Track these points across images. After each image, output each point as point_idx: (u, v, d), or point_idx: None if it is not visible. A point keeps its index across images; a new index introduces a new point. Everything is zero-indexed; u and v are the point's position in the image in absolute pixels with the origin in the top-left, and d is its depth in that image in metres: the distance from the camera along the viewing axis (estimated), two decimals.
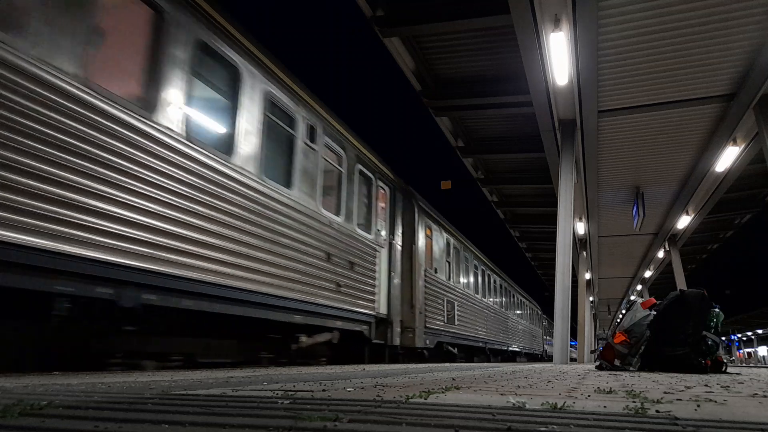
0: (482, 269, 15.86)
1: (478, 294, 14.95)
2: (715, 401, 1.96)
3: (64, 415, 1.32)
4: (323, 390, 2.14)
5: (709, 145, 10.47)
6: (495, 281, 17.64)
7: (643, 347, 5.73)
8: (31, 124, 3.20)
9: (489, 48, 9.08)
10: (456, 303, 12.23)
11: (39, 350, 3.98)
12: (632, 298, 28.34)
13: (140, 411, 1.42)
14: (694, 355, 5.29)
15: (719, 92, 8.63)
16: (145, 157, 3.98)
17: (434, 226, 11.08)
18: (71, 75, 3.45)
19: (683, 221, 15.37)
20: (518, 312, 22.08)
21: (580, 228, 15.99)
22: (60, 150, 3.35)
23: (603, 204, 14.49)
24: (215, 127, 5.05)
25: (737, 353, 51.89)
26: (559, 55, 7.37)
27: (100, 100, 3.64)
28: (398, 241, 9.19)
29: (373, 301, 7.82)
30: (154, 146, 4.06)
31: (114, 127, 3.73)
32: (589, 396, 2.08)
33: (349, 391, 2.09)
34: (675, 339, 5.43)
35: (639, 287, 27.68)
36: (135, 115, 3.91)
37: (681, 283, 17.49)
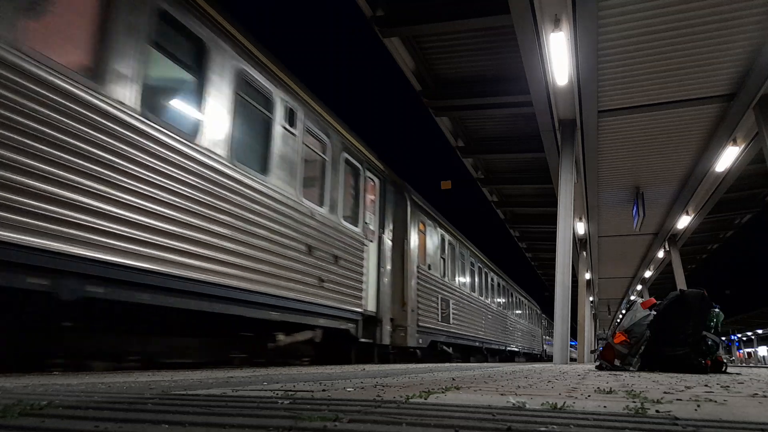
0: (479, 267, 15.54)
1: (474, 292, 14.64)
2: (715, 401, 1.96)
3: (64, 415, 1.32)
4: (323, 390, 2.14)
5: (709, 145, 10.47)
6: (493, 279, 17.33)
7: (643, 347, 5.73)
8: None
9: (489, 48, 9.08)
10: (451, 301, 11.92)
11: None
12: (632, 298, 28.34)
13: (140, 411, 1.42)
14: (694, 355, 5.29)
15: (719, 92, 8.63)
16: (93, 132, 3.59)
17: (428, 221, 10.76)
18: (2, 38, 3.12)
19: (683, 221, 15.37)
20: (517, 311, 21.78)
21: (580, 228, 15.99)
22: None
23: (603, 204, 14.49)
24: (176, 104, 4.65)
25: (737, 353, 51.89)
26: (559, 55, 7.37)
27: (36, 66, 3.28)
28: (389, 235, 8.83)
29: (360, 298, 7.42)
30: (103, 120, 3.68)
31: (51, 96, 3.34)
32: (589, 396, 2.08)
33: (349, 391, 2.09)
34: (675, 339, 5.43)
35: (639, 287, 27.68)
36: (77, 85, 3.51)
37: (681, 283, 17.49)
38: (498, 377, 3.47)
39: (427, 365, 7.57)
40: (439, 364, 8.62)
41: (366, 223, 7.90)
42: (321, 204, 6.64)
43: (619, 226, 16.43)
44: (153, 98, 4.23)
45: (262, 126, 5.67)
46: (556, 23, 6.81)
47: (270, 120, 5.73)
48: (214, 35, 4.92)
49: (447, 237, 12.23)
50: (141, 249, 3.92)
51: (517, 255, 27.20)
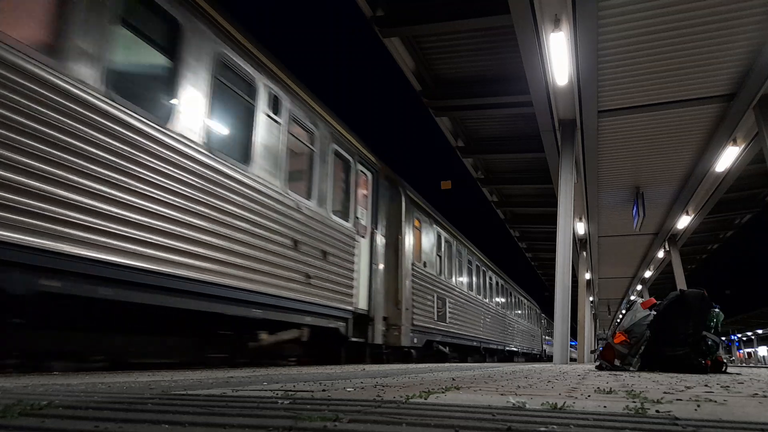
0: (477, 265, 15.26)
1: (472, 291, 14.39)
2: (715, 401, 1.96)
3: (64, 415, 1.32)
4: (323, 390, 2.14)
5: (709, 145, 10.47)
6: (491, 278, 17.07)
7: (643, 347, 5.73)
8: None
9: (489, 48, 9.08)
10: (448, 300, 11.68)
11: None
12: (632, 298, 28.34)
13: (140, 411, 1.42)
14: (694, 355, 5.29)
15: (719, 92, 8.63)
16: (51, 113, 3.38)
17: (424, 218, 10.49)
18: None
19: (683, 221, 15.37)
20: (516, 311, 21.50)
21: (580, 228, 15.99)
22: None
23: (603, 204, 14.49)
24: (145, 85, 4.36)
25: (737, 353, 51.90)
26: (559, 55, 7.37)
27: None
28: (382, 231, 8.52)
29: (350, 296, 7.13)
30: (61, 100, 3.45)
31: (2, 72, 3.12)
32: (589, 396, 2.08)
33: (349, 391, 2.09)
34: (675, 339, 5.43)
35: (639, 287, 27.69)
36: (33, 61, 3.30)
37: (681, 283, 17.49)
38: (498, 377, 3.47)
39: (426, 365, 7.57)
40: (439, 364, 8.61)
41: (357, 218, 7.61)
42: (308, 197, 6.36)
43: (619, 226, 16.44)
44: (118, 78, 3.92)
45: (244, 113, 5.40)
46: (556, 23, 6.81)
47: (252, 107, 5.46)
48: (192, 16, 4.68)
49: (443, 234, 11.97)
50: (101, 239, 3.62)
51: (517, 255, 27.23)
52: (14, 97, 3.19)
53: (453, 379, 3.08)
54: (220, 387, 2.24)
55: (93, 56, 3.69)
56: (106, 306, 3.91)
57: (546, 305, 29.82)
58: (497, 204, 17.39)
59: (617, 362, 5.89)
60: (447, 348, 11.72)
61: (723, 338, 6.63)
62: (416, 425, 1.22)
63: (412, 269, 9.40)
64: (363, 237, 7.80)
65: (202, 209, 4.56)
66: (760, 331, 47.75)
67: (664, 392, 2.35)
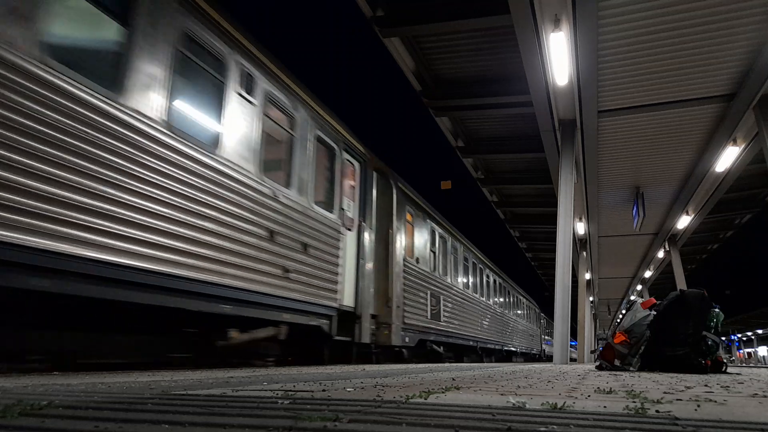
0: (474, 263, 14.80)
1: (468, 289, 13.94)
2: (715, 401, 1.96)
3: (64, 415, 1.32)
4: (323, 390, 2.14)
5: (709, 145, 10.48)
6: (488, 276, 16.62)
7: (643, 347, 5.73)
8: None
9: (489, 48, 9.09)
10: (442, 297, 11.23)
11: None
12: (632, 298, 28.35)
13: (140, 411, 1.42)
14: (694, 355, 5.29)
15: (719, 92, 8.64)
16: None
17: (416, 212, 10.05)
18: None
19: (683, 221, 15.38)
20: (514, 310, 21.12)
21: (580, 228, 16.00)
22: None
23: (603, 204, 14.50)
24: (89, 53, 3.90)
25: (737, 353, 51.91)
26: (559, 55, 7.37)
27: None
28: (371, 224, 8.04)
29: (335, 292, 6.69)
30: None
31: None
32: (589, 396, 2.08)
33: (349, 391, 2.09)
34: (675, 339, 5.43)
35: (639, 287, 27.70)
36: None
37: (681, 283, 17.51)
38: (498, 377, 3.47)
39: (426, 365, 7.56)
40: (439, 365, 8.60)
41: (343, 209, 7.15)
42: (287, 185, 5.93)
43: (619, 226, 16.44)
44: (57, 44, 3.51)
45: (212, 91, 4.96)
46: (556, 23, 6.81)
47: (222, 85, 5.02)
48: None
49: (438, 230, 11.58)
50: (36, 223, 3.20)
51: (517, 255, 27.24)
52: None
53: (453, 379, 3.08)
54: (220, 387, 2.24)
55: (23, 17, 3.27)
56: (39, 299, 3.50)
57: (546, 305, 29.80)
58: (497, 204, 17.40)
59: (617, 362, 5.89)
60: (441, 348, 11.36)
61: (723, 338, 6.62)
62: (416, 425, 1.22)
63: (404, 265, 9.01)
64: (349, 230, 7.35)
65: (160, 193, 4.11)
66: (760, 331, 47.78)
67: (664, 392, 2.35)
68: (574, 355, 23.85)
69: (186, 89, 4.67)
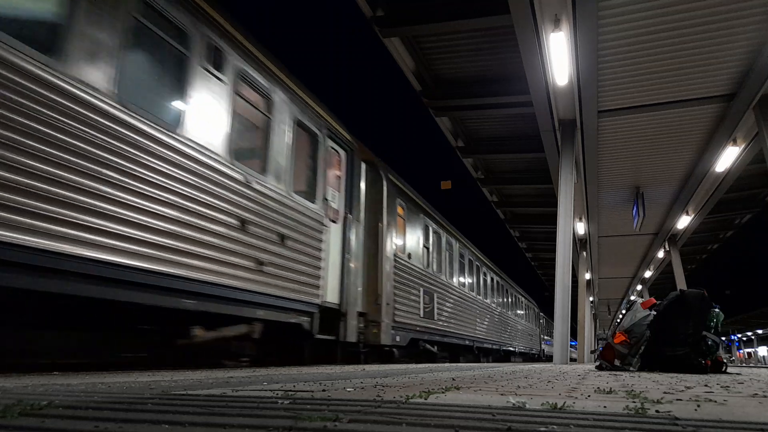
0: (470, 260, 14.35)
1: (464, 287, 13.52)
2: (715, 401, 1.96)
3: (64, 415, 1.32)
4: (323, 390, 2.14)
5: (709, 145, 10.48)
6: (486, 274, 16.18)
7: (643, 347, 5.73)
8: None
9: (489, 48, 9.09)
10: (436, 295, 10.79)
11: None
12: (632, 298, 28.34)
13: (140, 411, 1.42)
14: (694, 355, 5.29)
15: (719, 92, 8.64)
16: None
17: (409, 206, 9.64)
18: None
19: (683, 221, 15.38)
20: (513, 309, 20.74)
21: (580, 228, 16.00)
22: None
23: (603, 204, 14.50)
24: (25, 12, 3.52)
25: (737, 353, 51.91)
26: (559, 55, 7.37)
27: None
28: (358, 217, 7.65)
29: (317, 287, 6.27)
30: None
31: None
32: (589, 396, 2.08)
33: (349, 391, 2.09)
34: (675, 339, 5.44)
35: (639, 287, 27.70)
36: None
37: (681, 283, 17.51)
38: (498, 377, 3.47)
39: (426, 365, 7.56)
40: (439, 365, 8.59)
41: (327, 200, 6.74)
42: (263, 171, 5.52)
43: (619, 226, 16.44)
44: None
45: (172, 64, 4.51)
46: (556, 23, 6.81)
47: (185, 58, 4.58)
48: None
49: (432, 225, 11.13)
50: None
51: (517, 255, 27.24)
52: None
53: (453, 379, 3.08)
54: (220, 387, 2.24)
55: None
56: None
57: (545, 305, 29.76)
58: (497, 204, 17.40)
59: (617, 362, 5.89)
60: (435, 347, 10.96)
61: (723, 338, 6.62)
62: (416, 425, 1.22)
63: (395, 261, 8.61)
64: (334, 222, 6.94)
65: (110, 173, 3.70)
66: (760, 331, 47.78)
67: (664, 392, 2.35)
68: (574, 355, 23.81)
69: (141, 60, 4.25)
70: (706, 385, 2.97)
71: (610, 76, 8.25)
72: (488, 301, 16.34)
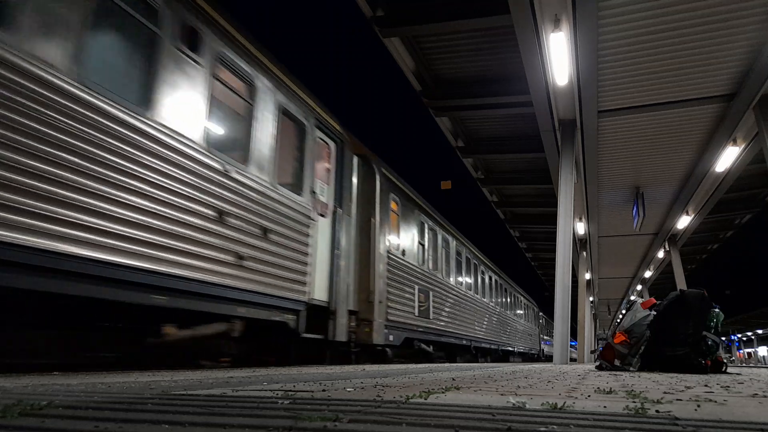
0: (468, 258, 14.04)
1: (462, 285, 13.22)
2: (715, 401, 1.96)
3: (64, 415, 1.32)
4: (323, 390, 2.14)
5: (709, 145, 10.48)
6: (483, 273, 15.88)
7: (643, 347, 5.73)
8: None
9: (489, 48, 9.09)
10: (431, 293, 10.47)
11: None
12: (632, 298, 28.35)
13: (140, 411, 1.42)
14: (694, 355, 5.30)
15: (719, 92, 8.64)
16: None
17: (404, 201, 9.35)
18: None
19: (683, 221, 15.38)
20: (512, 308, 20.47)
21: (580, 228, 16.00)
22: None
23: (603, 204, 14.50)
24: None
25: (737, 353, 51.92)
26: (559, 55, 7.37)
27: None
28: (349, 211, 7.34)
29: (303, 284, 5.99)
30: None
31: None
32: (589, 396, 2.08)
33: (349, 392, 2.09)
34: (675, 339, 5.44)
35: (639, 287, 27.71)
36: None
37: (681, 283, 17.51)
38: (498, 377, 3.47)
39: (426, 365, 7.56)
40: (439, 365, 8.58)
41: (315, 193, 6.46)
42: (243, 161, 5.24)
43: (619, 226, 16.45)
44: None
45: (142, 43, 4.21)
46: (556, 23, 6.81)
47: (155, 37, 4.28)
48: None
49: (428, 222, 10.82)
50: None
51: (517, 255, 27.25)
52: None
53: (453, 379, 3.08)
54: (220, 387, 2.24)
55: None
56: None
57: (545, 304, 29.72)
58: (497, 204, 17.41)
59: (617, 362, 5.89)
60: (431, 347, 10.63)
61: (723, 338, 6.61)
62: (416, 425, 1.22)
63: (388, 257, 8.29)
64: (323, 216, 6.66)
65: (68, 156, 3.44)
66: (760, 331, 47.79)
67: (664, 392, 2.35)
68: (574, 355, 23.80)
69: (106, 38, 3.96)
70: (706, 385, 2.97)
71: (610, 76, 8.25)
72: (486, 300, 16.06)
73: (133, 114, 3.95)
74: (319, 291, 6.45)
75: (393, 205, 8.87)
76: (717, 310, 5.57)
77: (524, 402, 1.76)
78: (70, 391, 1.97)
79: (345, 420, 1.27)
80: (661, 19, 6.92)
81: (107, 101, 3.74)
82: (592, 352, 18.24)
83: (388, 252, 8.34)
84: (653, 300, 6.14)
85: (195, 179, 4.50)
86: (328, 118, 6.91)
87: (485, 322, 15.56)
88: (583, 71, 7.90)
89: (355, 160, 7.70)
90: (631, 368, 5.68)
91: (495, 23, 8.00)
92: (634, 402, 1.83)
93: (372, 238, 7.82)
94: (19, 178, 3.16)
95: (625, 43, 7.43)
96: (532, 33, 7.21)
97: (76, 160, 3.48)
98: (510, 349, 19.59)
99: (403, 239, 9.27)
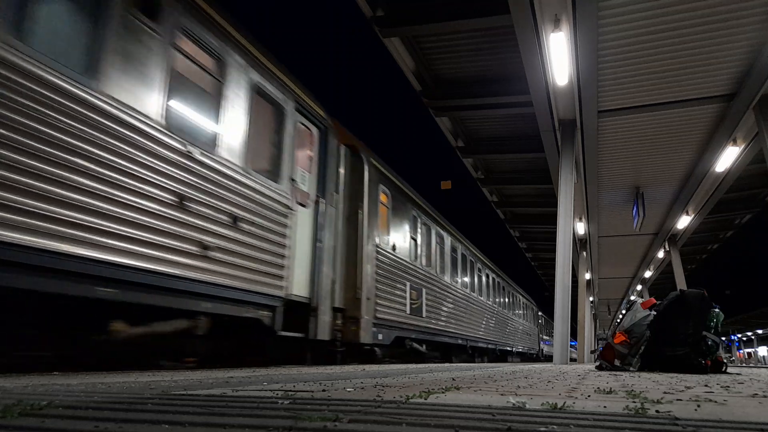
0: (464, 254, 13.65)
1: (457, 283, 12.82)
2: (715, 401, 1.96)
3: (64, 415, 1.32)
4: (323, 390, 2.14)
5: (709, 145, 10.48)
6: (480, 270, 15.44)
7: (643, 347, 5.73)
8: None
9: (489, 48, 9.10)
10: (425, 290, 10.06)
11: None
12: (632, 298, 28.35)
13: (140, 411, 1.42)
14: (694, 355, 5.30)
15: (719, 92, 8.64)
16: None
17: (395, 194, 8.94)
18: None
19: (683, 221, 15.39)
20: (510, 307, 19.98)
21: (580, 228, 16.00)
22: None
23: (603, 204, 14.51)
24: None
25: (737, 353, 51.93)
26: (559, 55, 7.37)
27: None
28: (333, 202, 6.92)
29: (280, 278, 5.56)
30: None
31: None
32: (589, 396, 2.08)
33: (349, 392, 2.09)
34: (675, 339, 5.44)
35: (639, 287, 27.71)
36: None
37: (681, 283, 17.52)
38: (498, 377, 3.47)
39: (426, 365, 7.56)
40: (439, 365, 8.58)
41: (294, 181, 6.05)
42: (210, 141, 4.81)
43: (619, 226, 16.45)
44: None
45: (86, 7, 3.80)
46: (556, 23, 6.81)
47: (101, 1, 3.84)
48: None
49: (421, 216, 10.36)
50: None
51: (517, 255, 27.26)
52: None
53: (453, 379, 3.09)
54: (220, 387, 2.24)
55: None
56: None
57: (545, 304, 29.67)
58: (497, 204, 17.41)
59: (617, 362, 5.89)
60: (424, 346, 10.21)
61: (723, 338, 6.61)
62: (416, 425, 1.22)
63: (377, 252, 7.89)
64: (303, 206, 6.23)
65: None
66: (760, 331, 47.79)
67: (664, 392, 2.35)
68: (574, 355, 23.78)
69: (45, 3, 3.60)
70: (706, 385, 2.97)
71: (610, 76, 8.25)
72: (483, 298, 15.67)
73: (76, 83, 3.52)
74: (298, 286, 6.03)
75: (383, 198, 8.48)
76: (717, 310, 5.57)
77: (524, 402, 1.76)
78: (70, 391, 1.97)
79: (345, 420, 1.27)
80: (661, 19, 6.92)
81: (43, 66, 3.33)
82: (592, 352, 18.23)
83: (377, 246, 7.99)
84: (653, 300, 6.15)
85: (150, 159, 4.05)
86: (310, 103, 6.48)
87: (482, 321, 15.19)
88: (583, 71, 7.90)
89: (342, 149, 7.30)
90: (631, 368, 5.68)
91: (495, 23, 8.00)
92: (634, 402, 1.83)
93: (359, 232, 7.42)
94: None
95: (625, 43, 7.44)
96: (532, 33, 7.21)
97: (5, 132, 3.07)
98: (508, 348, 19.31)
99: (394, 233, 8.88)
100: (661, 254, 19.78)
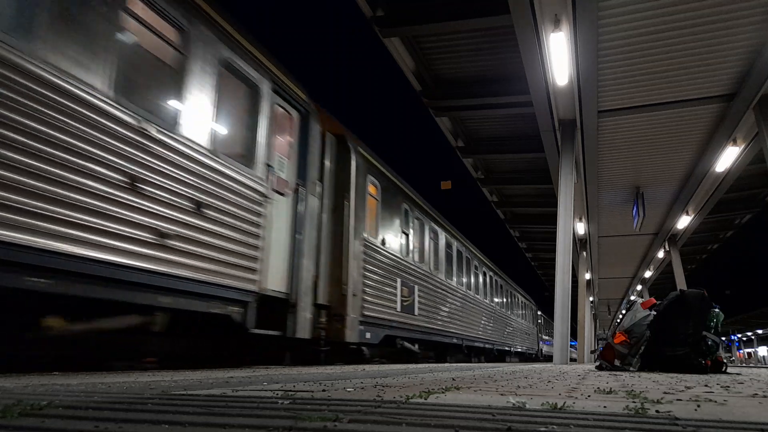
0: (459, 251, 13.20)
1: (452, 280, 12.40)
2: (715, 401, 1.96)
3: (64, 415, 1.32)
4: (323, 390, 2.14)
5: (709, 145, 10.48)
6: (476, 267, 15.04)
7: (643, 347, 5.74)
8: None
9: (489, 48, 9.10)
10: (417, 287, 9.65)
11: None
12: (632, 298, 28.35)
13: (140, 411, 1.42)
14: (694, 355, 5.30)
15: (719, 92, 8.64)
16: None
17: (385, 185, 8.51)
18: None
19: (683, 221, 15.39)
20: (508, 306, 19.61)
21: (580, 228, 16.00)
22: None
23: (603, 204, 14.51)
24: None
25: (737, 353, 51.93)
26: (559, 55, 7.37)
27: None
28: (316, 191, 6.47)
29: (252, 270, 5.12)
30: None
31: None
32: (589, 396, 2.08)
33: (349, 392, 2.10)
34: (675, 339, 5.44)
35: (639, 287, 27.71)
36: None
37: (681, 283, 17.52)
38: (498, 377, 3.47)
39: (426, 365, 7.55)
40: (439, 365, 8.57)
41: (271, 167, 5.61)
42: (170, 119, 4.37)
43: (619, 226, 16.45)
44: None
45: None
46: (556, 23, 6.81)
47: None
48: None
49: (414, 210, 9.92)
50: None
51: (517, 255, 27.26)
52: None
53: (453, 379, 3.09)
54: (220, 387, 2.24)
55: None
56: None
57: (545, 304, 29.66)
58: (497, 204, 17.41)
59: (617, 362, 5.89)
60: (416, 345, 9.80)
61: (723, 338, 6.61)
62: (416, 425, 1.22)
63: (364, 245, 7.45)
64: (281, 194, 5.83)
65: None
66: (760, 331, 47.79)
67: (664, 392, 2.35)
68: (574, 355, 23.77)
69: None
70: (706, 385, 2.97)
71: (610, 76, 8.25)
72: (480, 297, 15.28)
73: (2, 44, 3.09)
74: (274, 280, 5.57)
75: (372, 189, 8.05)
76: (717, 310, 5.57)
77: (524, 402, 1.76)
78: (70, 391, 1.97)
79: (345, 420, 1.27)
80: (661, 19, 6.92)
81: None
82: (592, 352, 18.22)
83: (365, 240, 7.53)
84: (653, 300, 6.15)
85: (94, 133, 3.61)
86: (290, 84, 6.02)
87: (478, 321, 14.82)
88: (583, 71, 7.90)
89: (328, 136, 6.91)
90: (631, 368, 5.69)
91: (495, 23, 8.00)
92: (634, 402, 1.83)
93: (345, 224, 7.00)
94: None
95: (625, 43, 7.44)
96: (532, 33, 7.21)
97: None
98: (506, 348, 18.96)
99: (384, 227, 8.44)
100: (661, 254, 19.78)
